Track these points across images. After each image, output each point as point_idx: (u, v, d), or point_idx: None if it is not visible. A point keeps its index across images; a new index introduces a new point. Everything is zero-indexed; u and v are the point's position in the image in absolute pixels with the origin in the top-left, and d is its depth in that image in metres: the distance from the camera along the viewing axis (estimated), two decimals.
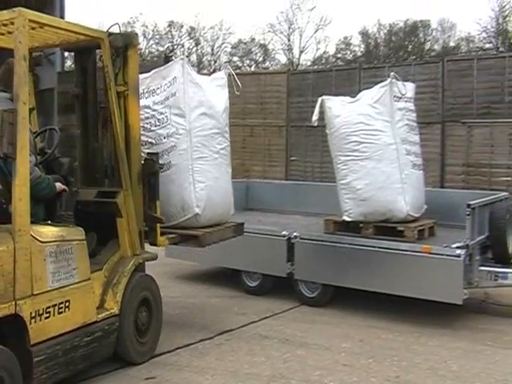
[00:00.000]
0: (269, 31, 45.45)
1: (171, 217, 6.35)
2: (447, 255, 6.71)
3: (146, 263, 6.12)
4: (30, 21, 4.71)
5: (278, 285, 8.16)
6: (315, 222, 8.54)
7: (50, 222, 5.04)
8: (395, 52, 42.32)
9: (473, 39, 39.97)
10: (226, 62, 39.51)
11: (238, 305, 7.83)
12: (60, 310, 4.77)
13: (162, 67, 6.63)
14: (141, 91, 6.14)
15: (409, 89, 7.84)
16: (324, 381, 5.43)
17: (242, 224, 7.12)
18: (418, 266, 6.90)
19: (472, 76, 11.22)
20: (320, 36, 49.75)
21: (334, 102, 7.69)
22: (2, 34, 5.28)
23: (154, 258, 6.09)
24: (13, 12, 4.60)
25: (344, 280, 7.42)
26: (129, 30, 36.56)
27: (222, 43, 45.45)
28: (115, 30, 5.70)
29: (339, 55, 44.54)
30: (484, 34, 38.36)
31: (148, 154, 6.07)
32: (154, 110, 6.45)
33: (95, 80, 6.08)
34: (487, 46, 37.68)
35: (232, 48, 45.89)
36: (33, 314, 4.51)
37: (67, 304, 4.84)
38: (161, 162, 6.10)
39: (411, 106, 7.86)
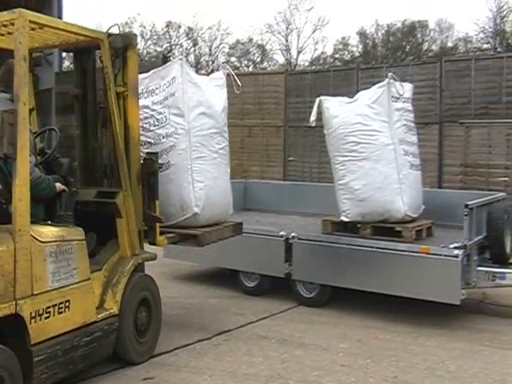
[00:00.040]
0: (267, 31, 45.62)
1: (170, 216, 6.37)
2: (445, 255, 6.72)
3: (145, 263, 6.12)
4: (30, 22, 4.72)
5: (276, 285, 8.16)
6: (313, 222, 8.54)
7: (49, 222, 5.06)
8: (393, 52, 42.38)
9: (470, 40, 40.07)
10: (223, 63, 39.50)
11: (236, 305, 7.84)
12: (60, 310, 4.78)
13: (161, 67, 6.64)
14: (140, 91, 6.15)
15: (407, 89, 7.85)
16: (322, 381, 5.42)
17: (241, 223, 7.13)
18: (416, 266, 6.91)
19: (470, 76, 11.24)
20: (318, 36, 49.84)
21: (331, 102, 7.69)
22: (2, 35, 5.29)
23: (154, 258, 6.10)
24: (13, 13, 4.61)
25: (342, 280, 7.43)
26: (126, 30, 36.56)
27: (220, 44, 45.54)
28: (114, 30, 5.72)
29: (337, 55, 44.58)
30: (482, 35, 38.46)
31: (147, 153, 6.09)
32: (153, 110, 6.47)
33: (94, 80, 6.10)
34: (485, 46, 37.75)
35: (230, 48, 45.98)
36: (33, 314, 4.53)
37: (67, 304, 4.86)
38: (160, 161, 6.12)
39: (409, 106, 7.86)
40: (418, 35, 42.99)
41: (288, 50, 44.76)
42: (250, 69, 42.88)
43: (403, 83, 7.89)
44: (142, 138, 6.20)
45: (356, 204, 7.40)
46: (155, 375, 5.51)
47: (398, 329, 6.85)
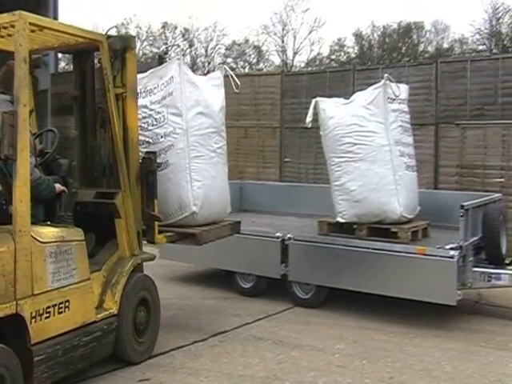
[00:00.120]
0: (263, 33, 45.61)
1: (169, 215, 6.40)
2: (441, 256, 6.73)
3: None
4: (31, 24, 4.77)
5: (272, 286, 8.16)
6: (309, 223, 8.54)
7: (49, 222, 5.10)
8: (389, 53, 42.38)
9: (466, 41, 40.09)
10: (220, 63, 39.51)
11: (232, 306, 7.83)
12: (60, 310, 4.83)
13: (159, 67, 6.68)
14: (138, 91, 6.17)
15: (402, 90, 7.86)
16: (318, 382, 5.43)
17: (239, 222, 7.17)
18: (412, 267, 6.92)
19: (465, 78, 11.23)
20: (314, 37, 49.78)
21: (327, 103, 7.70)
22: (2, 37, 5.30)
23: (152, 258, 6.15)
24: (13, 15, 4.65)
25: (338, 281, 7.43)
26: (123, 31, 36.55)
27: (216, 45, 45.52)
28: (113, 32, 5.77)
29: (333, 57, 44.57)
30: (477, 36, 38.48)
31: (146, 152, 6.13)
32: (151, 110, 6.50)
33: (93, 82, 6.12)
34: (481, 47, 37.78)
35: (226, 49, 45.94)
36: (33, 314, 4.57)
37: (67, 304, 4.90)
38: (158, 161, 6.15)
39: (405, 107, 7.87)
40: (414, 36, 43.01)
41: (284, 51, 44.80)
42: (246, 70, 42.90)
43: (399, 84, 7.91)
44: (141, 137, 6.22)
45: (352, 205, 7.41)
46: (151, 376, 5.50)
47: (394, 330, 6.86)
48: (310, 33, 44.06)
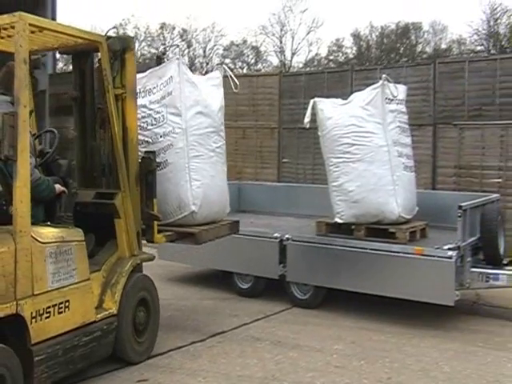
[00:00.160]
0: (261, 33, 45.58)
1: (168, 215, 6.41)
2: (439, 257, 6.74)
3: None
4: (31, 25, 4.80)
5: (270, 287, 8.16)
6: (307, 223, 8.54)
7: (49, 223, 5.12)
8: (387, 54, 42.39)
9: (464, 41, 40.10)
10: (218, 64, 39.50)
11: (230, 307, 7.83)
12: (60, 310, 4.85)
13: (158, 67, 6.69)
14: (137, 90, 6.18)
15: (400, 91, 7.86)
16: (316, 382, 5.43)
17: (238, 222, 7.19)
18: (410, 267, 6.92)
19: (463, 78, 11.24)
20: (312, 38, 49.60)
21: (325, 104, 7.70)
22: (2, 38, 5.31)
23: (152, 258, 6.18)
24: (13, 16, 4.67)
25: (336, 282, 7.43)
26: (120, 31, 36.50)
27: (214, 45, 45.49)
28: (112, 33, 5.79)
29: (331, 57, 44.56)
30: (475, 37, 38.49)
31: (145, 152, 6.14)
32: (151, 109, 6.52)
33: (93, 82, 6.13)
34: (478, 48, 37.80)
35: (224, 50, 45.92)
36: (33, 314, 4.59)
37: (67, 304, 4.92)
38: (157, 160, 6.17)
39: (403, 107, 7.87)
40: (412, 37, 43.03)
41: (282, 51, 44.79)
42: (244, 70, 42.86)
43: (397, 85, 7.91)
44: (140, 137, 6.24)
45: (350, 205, 7.41)
46: (149, 377, 5.50)
47: (392, 330, 6.86)
48: (308, 33, 44.09)
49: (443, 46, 41.66)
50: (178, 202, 6.40)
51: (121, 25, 41.73)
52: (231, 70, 7.32)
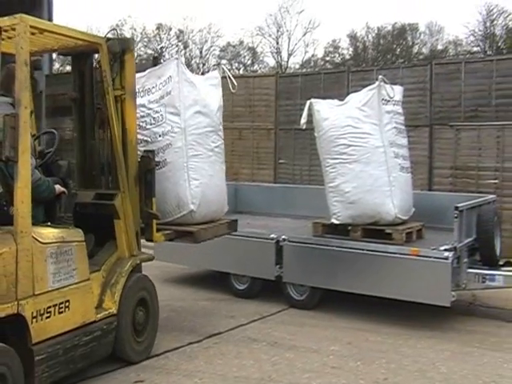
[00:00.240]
0: (257, 34, 45.61)
1: (167, 214, 6.43)
2: (435, 258, 6.74)
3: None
4: (31, 27, 4.81)
5: (267, 288, 8.16)
6: (304, 224, 8.53)
7: (49, 223, 5.13)
8: (383, 55, 42.48)
9: (460, 42, 40.25)
10: (214, 65, 39.53)
11: (227, 308, 7.83)
12: (60, 310, 4.88)
13: (157, 66, 6.72)
14: (136, 90, 6.18)
15: (397, 92, 7.86)
16: (312, 383, 5.43)
17: (236, 221, 7.20)
18: (406, 268, 6.92)
19: (460, 79, 11.26)
20: (308, 39, 49.76)
21: (322, 104, 7.70)
22: (3, 39, 5.30)
23: (151, 258, 6.23)
24: (14, 18, 4.69)
25: (332, 283, 7.43)
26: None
27: (211, 46, 45.54)
28: (111, 34, 5.80)
29: (327, 58, 44.66)
30: (472, 38, 38.65)
31: (144, 151, 6.16)
32: (150, 109, 6.53)
33: (92, 83, 6.13)
34: (475, 49, 37.94)
35: (220, 51, 45.98)
36: (34, 314, 4.62)
37: (67, 304, 4.95)
38: (156, 159, 6.18)
39: (399, 108, 7.87)
40: (409, 38, 43.13)
41: (279, 52, 44.87)
42: (241, 71, 42.92)
43: (393, 86, 7.91)
44: (139, 136, 6.25)
45: (346, 206, 7.41)
46: (146, 378, 5.49)
47: (389, 331, 6.87)
48: (305, 34, 44.21)
49: (439, 47, 41.81)
50: (176, 201, 6.42)
51: (117, 25, 41.73)
52: (228, 70, 7.33)
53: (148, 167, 6.01)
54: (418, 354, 6.19)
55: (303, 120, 7.51)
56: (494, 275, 6.99)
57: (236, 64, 45.86)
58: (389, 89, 7.66)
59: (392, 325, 7.04)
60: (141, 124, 6.39)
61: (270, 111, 13.81)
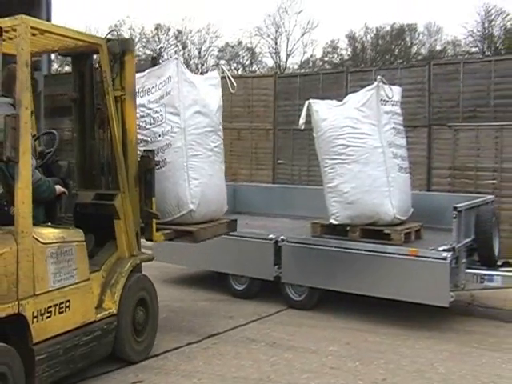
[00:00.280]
0: (256, 35, 45.63)
1: (166, 213, 6.44)
2: (434, 258, 6.74)
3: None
4: (32, 28, 4.82)
5: (265, 288, 8.16)
6: (302, 225, 8.53)
7: (50, 223, 5.13)
8: (382, 55, 42.50)
9: (459, 43, 40.28)
10: (213, 65, 39.53)
11: (225, 308, 7.83)
12: (61, 310, 4.89)
13: (157, 66, 6.72)
14: (136, 90, 6.18)
15: (395, 92, 7.86)
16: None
17: (235, 220, 7.21)
18: (405, 268, 6.92)
19: (458, 80, 11.26)
20: (307, 39, 49.80)
21: (320, 105, 7.70)
22: (3, 40, 5.31)
23: (151, 258, 6.25)
24: (15, 19, 4.69)
25: (331, 283, 7.43)
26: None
27: (209, 47, 45.54)
28: (110, 35, 5.81)
29: (326, 59, 44.68)
30: (470, 38, 38.69)
31: (144, 151, 6.17)
32: (149, 109, 6.54)
33: (92, 84, 6.14)
34: (473, 49, 37.98)
35: (219, 51, 45.98)
36: (35, 314, 4.64)
37: (67, 304, 4.97)
38: (156, 159, 6.19)
39: (398, 109, 7.88)
40: (407, 38, 43.15)
41: (277, 53, 44.87)
42: (240, 72, 42.93)
43: (392, 86, 7.90)
44: (139, 136, 6.26)
45: (345, 207, 7.41)
46: (144, 379, 5.49)
47: (387, 331, 6.87)
48: (303, 35, 44.22)
49: (438, 48, 41.85)
50: (176, 201, 6.43)
51: (116, 26, 41.74)
52: (227, 71, 7.33)
53: (148, 167, 6.02)
54: (416, 354, 6.19)
55: (302, 120, 7.52)
56: (492, 275, 6.99)
57: (234, 64, 45.90)
58: (387, 89, 7.66)
59: (390, 325, 7.04)
60: (141, 124, 6.40)
61: (269, 111, 13.81)
